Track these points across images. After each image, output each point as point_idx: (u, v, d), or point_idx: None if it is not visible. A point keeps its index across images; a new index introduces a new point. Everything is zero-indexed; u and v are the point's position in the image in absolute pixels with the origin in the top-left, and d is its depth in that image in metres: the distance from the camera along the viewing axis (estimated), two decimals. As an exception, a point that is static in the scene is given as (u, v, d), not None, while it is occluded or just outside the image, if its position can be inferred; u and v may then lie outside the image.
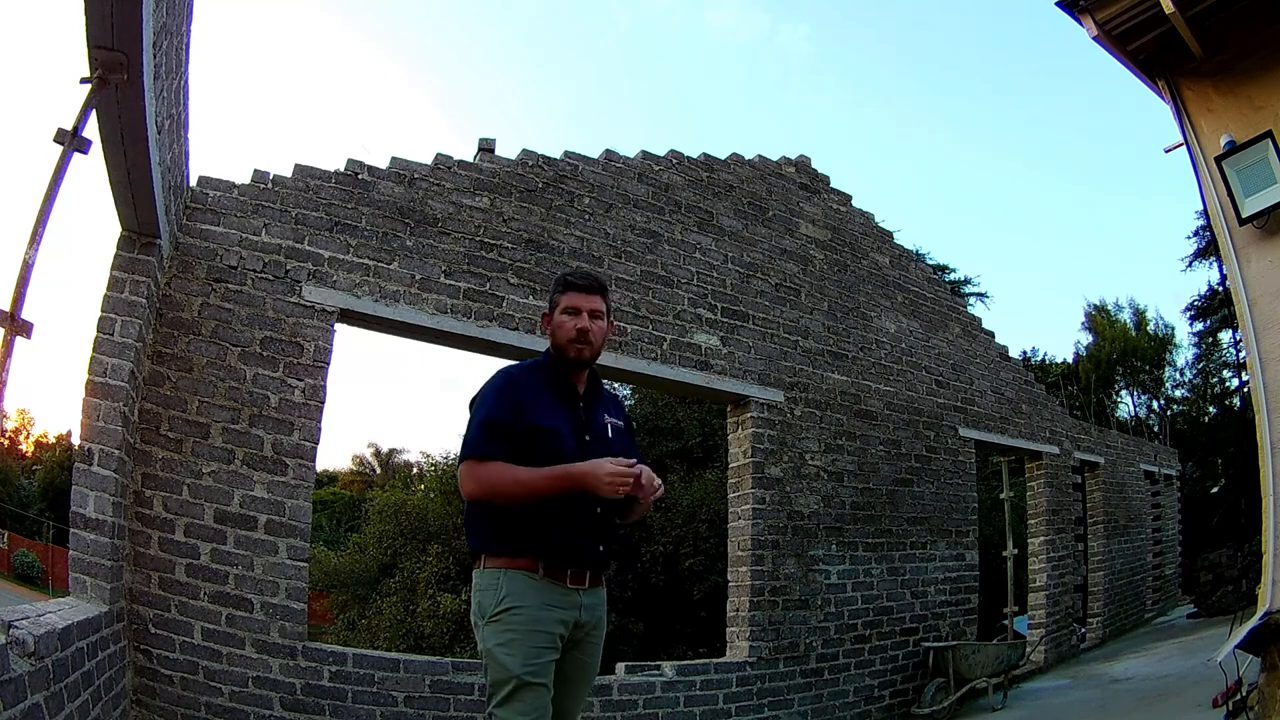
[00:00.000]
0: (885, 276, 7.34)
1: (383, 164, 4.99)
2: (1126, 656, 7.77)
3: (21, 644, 2.05)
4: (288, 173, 4.69)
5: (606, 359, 5.05)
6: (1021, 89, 55.50)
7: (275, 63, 71.72)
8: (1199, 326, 19.58)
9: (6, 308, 2.31)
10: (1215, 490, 14.92)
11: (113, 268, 3.68)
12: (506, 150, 5.53)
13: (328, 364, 4.53)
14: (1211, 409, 19.81)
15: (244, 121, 71.77)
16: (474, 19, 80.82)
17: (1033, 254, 51.04)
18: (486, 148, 5.43)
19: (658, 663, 5.40)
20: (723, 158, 6.55)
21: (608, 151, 5.92)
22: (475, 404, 2.22)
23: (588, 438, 2.24)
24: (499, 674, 2.03)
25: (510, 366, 2.34)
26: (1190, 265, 18.07)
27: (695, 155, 6.39)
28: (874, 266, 7.28)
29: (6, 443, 31.22)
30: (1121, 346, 21.85)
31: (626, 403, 13.55)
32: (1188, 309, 19.16)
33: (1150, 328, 22.61)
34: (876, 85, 67.49)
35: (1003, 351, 8.30)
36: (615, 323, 2.73)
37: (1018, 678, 7.18)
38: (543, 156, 5.60)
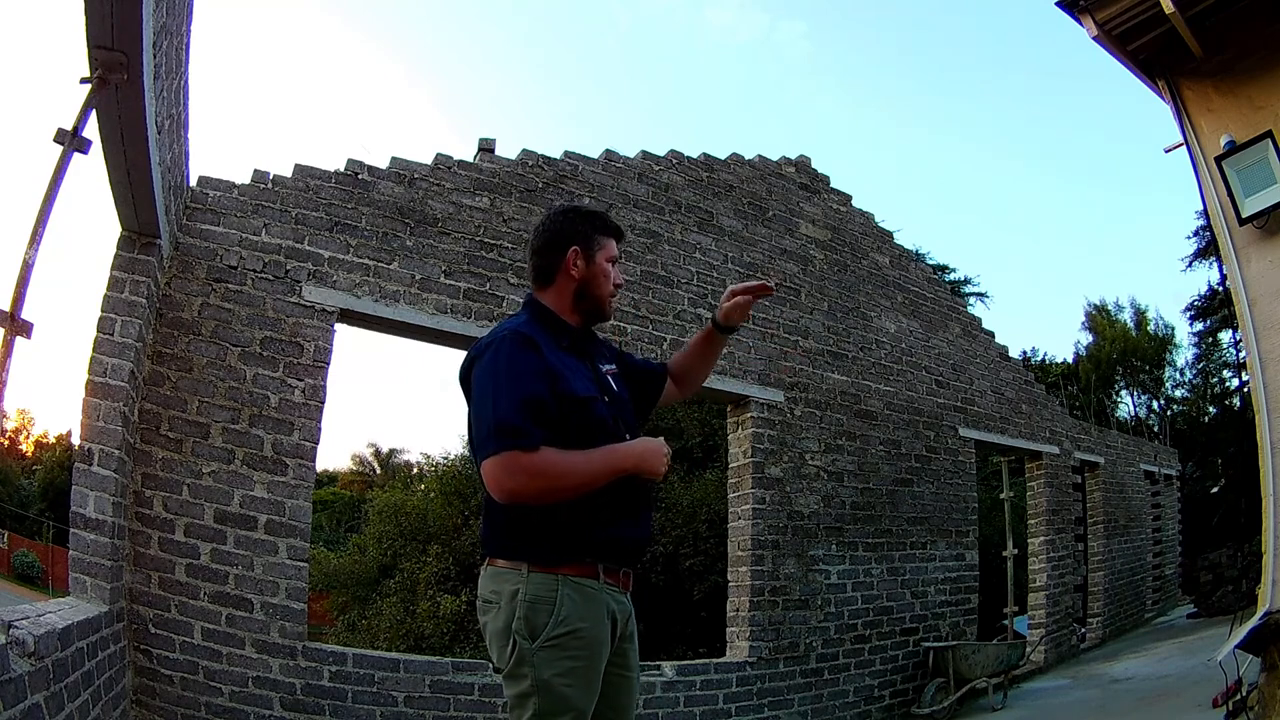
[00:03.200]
0: (885, 276, 7.34)
1: (383, 164, 4.99)
2: (1126, 656, 7.77)
3: (21, 644, 2.05)
4: (288, 173, 4.69)
5: (606, 359, 5.05)
6: (1021, 88, 55.59)
7: (275, 63, 71.79)
8: (1199, 326, 19.64)
9: (6, 308, 2.31)
10: (1215, 490, 14.93)
11: (113, 268, 3.68)
12: (506, 150, 5.54)
13: (328, 364, 4.53)
14: (1211, 409, 19.83)
15: (244, 121, 71.83)
16: (474, 19, 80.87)
17: (1033, 254, 51.11)
18: (486, 148, 5.43)
19: (658, 663, 5.40)
20: (723, 158, 6.55)
21: (608, 151, 5.92)
22: (494, 376, 1.72)
23: (607, 399, 1.88)
24: (553, 706, 1.66)
25: (518, 324, 1.83)
26: (1190, 265, 18.11)
27: (695, 155, 6.39)
28: (874, 266, 7.28)
29: (6, 443, 31.22)
30: (1121, 346, 21.87)
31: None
32: (1188, 309, 19.21)
33: (1150, 328, 22.64)
34: (875, 85, 67.59)
35: (1003, 351, 8.30)
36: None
37: (1018, 678, 7.18)
38: (543, 156, 5.60)
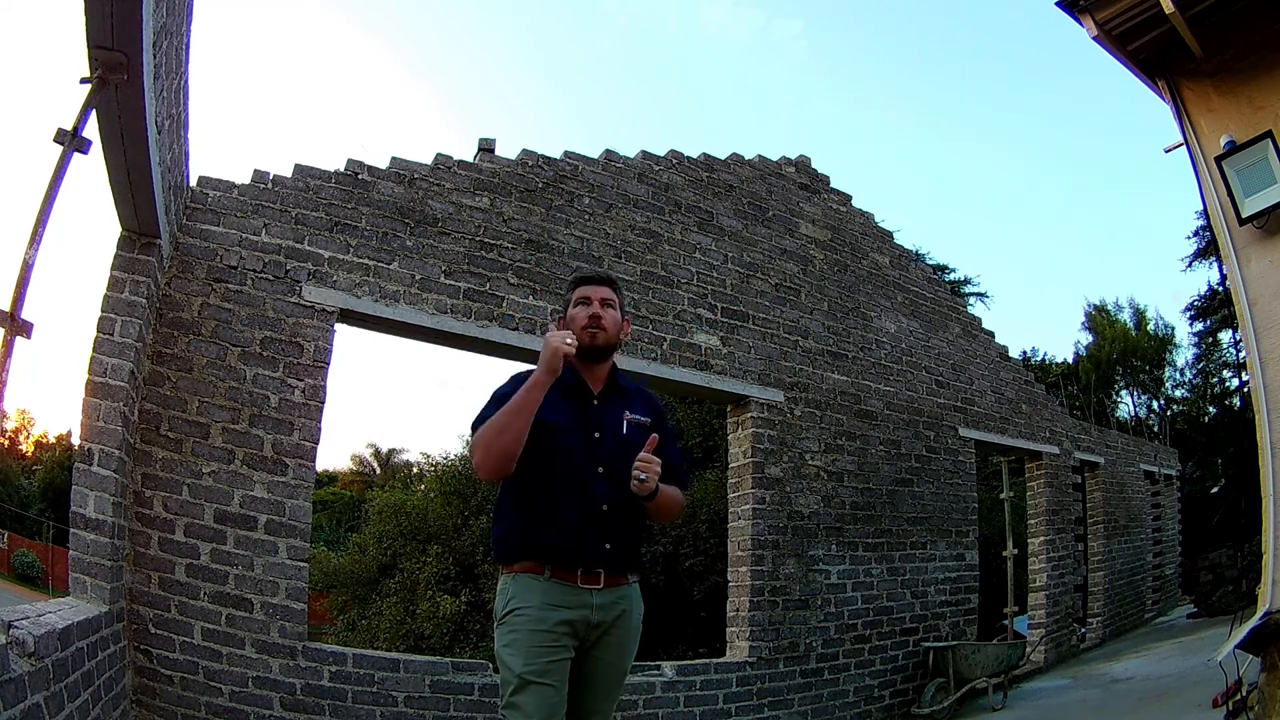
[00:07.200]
0: (885, 276, 7.34)
1: (383, 164, 4.99)
2: (1126, 656, 7.77)
3: (21, 644, 2.05)
4: (288, 173, 4.69)
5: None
6: (1021, 87, 55.54)
7: (275, 62, 71.77)
8: (1199, 326, 19.60)
9: (6, 308, 2.31)
10: (1215, 490, 14.94)
11: (113, 268, 3.68)
12: (506, 150, 5.54)
13: (328, 364, 4.53)
14: (1211, 409, 19.79)
15: (244, 121, 71.81)
16: (474, 19, 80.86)
17: (1033, 254, 51.10)
18: (486, 148, 5.43)
19: (658, 663, 5.40)
20: (723, 158, 6.55)
21: (608, 151, 5.92)
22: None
23: (597, 434, 2.21)
24: (504, 674, 2.07)
25: (518, 372, 2.34)
26: (1190, 265, 18.08)
27: (695, 155, 6.39)
28: (874, 266, 7.28)
29: (6, 443, 31.20)
30: (1121, 346, 21.84)
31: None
32: (1188, 309, 19.18)
33: (1150, 328, 22.61)
34: (873, 84, 67.58)
35: (1003, 351, 8.30)
36: (630, 321, 2.60)
37: (1018, 678, 7.18)
38: (543, 156, 5.60)
